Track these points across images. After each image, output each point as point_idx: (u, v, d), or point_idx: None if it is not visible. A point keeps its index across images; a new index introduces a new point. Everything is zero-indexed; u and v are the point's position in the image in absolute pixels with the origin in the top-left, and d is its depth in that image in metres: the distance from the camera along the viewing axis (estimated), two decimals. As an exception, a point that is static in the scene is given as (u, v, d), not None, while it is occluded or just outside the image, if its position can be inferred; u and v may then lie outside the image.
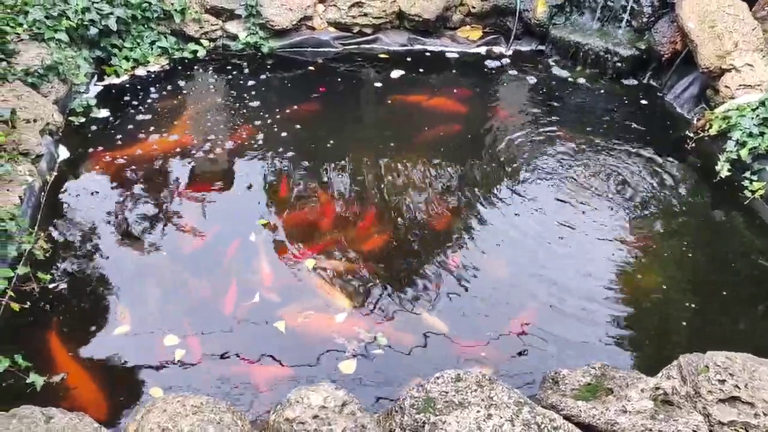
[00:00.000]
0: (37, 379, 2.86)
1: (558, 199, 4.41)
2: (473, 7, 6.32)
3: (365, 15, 6.11)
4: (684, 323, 3.56)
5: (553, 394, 2.61)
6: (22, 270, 3.39)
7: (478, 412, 2.39)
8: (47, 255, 3.62)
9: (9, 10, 4.95)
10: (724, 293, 3.75)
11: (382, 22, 6.19)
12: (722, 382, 2.50)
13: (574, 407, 2.50)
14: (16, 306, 3.02)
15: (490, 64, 6.20)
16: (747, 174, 4.44)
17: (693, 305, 3.65)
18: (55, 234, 3.86)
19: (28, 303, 3.24)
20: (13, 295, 3.18)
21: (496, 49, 6.39)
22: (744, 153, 4.44)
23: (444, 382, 2.53)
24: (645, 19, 5.84)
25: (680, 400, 2.52)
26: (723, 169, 4.51)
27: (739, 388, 2.48)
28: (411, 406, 2.45)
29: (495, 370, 3.18)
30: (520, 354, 3.29)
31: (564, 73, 6.03)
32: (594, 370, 2.68)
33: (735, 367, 2.54)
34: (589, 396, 2.58)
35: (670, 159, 4.87)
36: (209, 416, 2.34)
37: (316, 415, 2.34)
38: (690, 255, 4.01)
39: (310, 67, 5.95)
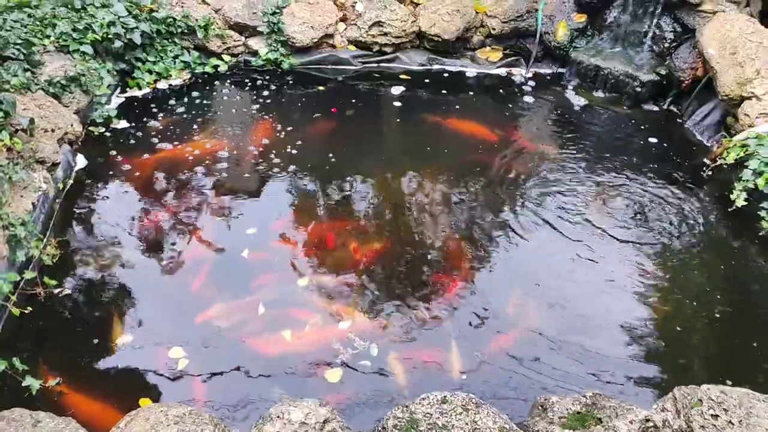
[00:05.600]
0: (33, 383, 2.92)
1: (572, 225, 4.35)
2: (493, 29, 6.33)
3: (385, 34, 6.17)
4: (695, 354, 3.48)
5: (540, 421, 2.56)
6: (29, 275, 3.47)
7: (460, 436, 2.36)
8: (55, 260, 3.70)
9: (38, 23, 5.13)
10: (738, 324, 3.66)
11: (402, 41, 6.23)
12: (715, 417, 2.42)
13: (561, 436, 2.45)
14: (16, 311, 3.09)
15: (517, 80, 6.23)
16: (764, 204, 4.33)
17: (705, 336, 3.58)
18: (66, 240, 3.94)
19: (29, 308, 3.31)
20: (15, 299, 3.25)
21: (516, 71, 6.38)
22: (761, 182, 4.33)
23: (429, 404, 2.51)
24: (666, 45, 5.78)
25: (671, 434, 2.45)
26: (739, 198, 4.40)
27: (732, 423, 2.40)
28: (394, 426, 2.43)
29: (488, 394, 3.14)
30: (515, 378, 3.25)
31: (583, 97, 5.98)
32: (585, 399, 2.62)
33: (730, 402, 2.46)
34: (578, 425, 2.52)
35: (688, 187, 4.79)
36: (190, 427, 2.35)
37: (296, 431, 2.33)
38: (703, 285, 3.92)
39: (330, 85, 6.01)
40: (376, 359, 3.32)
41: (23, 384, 2.90)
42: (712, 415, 2.43)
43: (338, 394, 3.12)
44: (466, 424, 2.40)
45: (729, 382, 3.14)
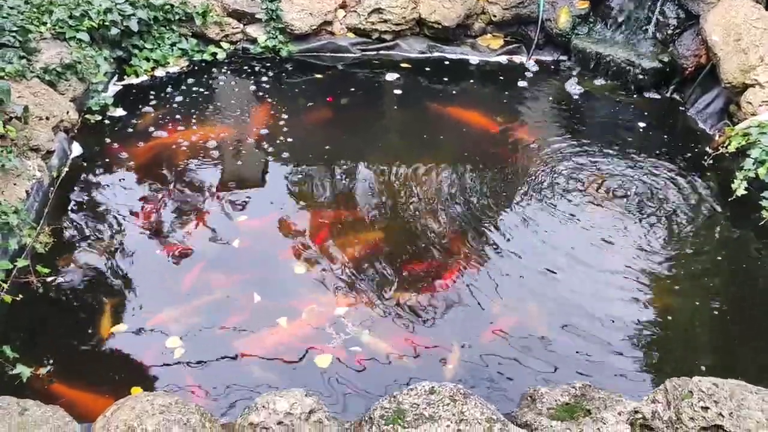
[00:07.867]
0: (23, 371, 2.92)
1: (569, 214, 4.30)
2: (494, 16, 6.26)
3: (385, 21, 6.10)
4: (693, 346, 3.46)
5: (529, 412, 2.54)
6: (22, 263, 3.47)
7: (447, 427, 2.34)
8: (48, 249, 3.70)
9: (35, 10, 5.10)
10: (736, 315, 3.62)
11: (401, 28, 6.17)
12: (705, 409, 2.39)
13: (548, 427, 2.43)
14: (8, 298, 3.09)
15: (518, 67, 6.19)
16: (765, 193, 4.27)
17: (702, 327, 3.55)
18: (60, 228, 3.93)
19: (20, 296, 3.31)
20: (7, 287, 3.25)
21: (517, 59, 6.32)
22: (762, 172, 4.28)
23: (417, 394, 2.49)
24: (670, 31, 5.70)
25: (661, 426, 2.42)
26: (740, 188, 4.35)
27: (722, 416, 2.36)
28: (381, 416, 2.41)
29: (477, 384, 3.12)
30: (505, 369, 3.24)
31: (584, 85, 5.90)
32: (574, 390, 2.60)
33: (721, 394, 2.43)
34: (566, 416, 2.50)
35: (689, 176, 4.72)
36: (176, 416, 2.34)
37: (281, 422, 2.32)
38: (702, 275, 3.88)
39: (328, 72, 5.96)
40: (366, 346, 3.31)
41: (14, 372, 2.90)
42: (702, 407, 2.40)
43: (326, 381, 3.12)
44: (453, 414, 2.38)
45: (724, 374, 3.11)
